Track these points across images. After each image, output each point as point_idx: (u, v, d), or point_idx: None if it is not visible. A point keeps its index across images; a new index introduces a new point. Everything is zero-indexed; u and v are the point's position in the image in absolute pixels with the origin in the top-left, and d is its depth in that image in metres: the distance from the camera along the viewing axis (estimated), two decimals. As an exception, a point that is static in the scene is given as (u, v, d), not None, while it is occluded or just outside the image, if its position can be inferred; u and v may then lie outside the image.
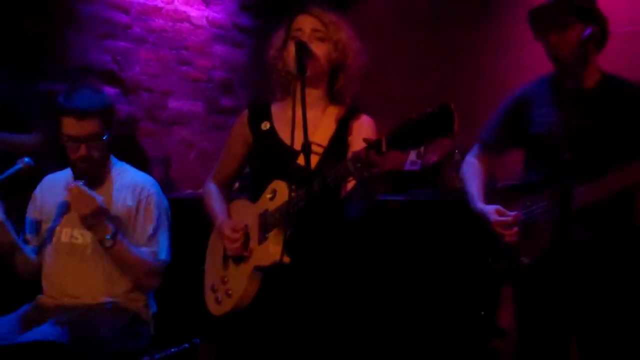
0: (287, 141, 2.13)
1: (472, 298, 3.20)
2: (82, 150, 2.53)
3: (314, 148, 2.07)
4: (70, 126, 2.51)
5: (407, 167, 3.89)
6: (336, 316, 2.17)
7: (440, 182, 3.73)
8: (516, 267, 2.46)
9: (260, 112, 2.35)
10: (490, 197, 2.59)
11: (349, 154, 2.01)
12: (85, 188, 2.46)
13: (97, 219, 2.47)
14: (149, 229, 2.63)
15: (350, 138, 2.23)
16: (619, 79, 2.44)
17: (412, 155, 3.85)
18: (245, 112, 2.39)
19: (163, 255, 2.63)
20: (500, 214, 2.47)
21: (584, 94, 2.38)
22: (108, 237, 2.48)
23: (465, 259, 3.18)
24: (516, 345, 2.58)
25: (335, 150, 2.18)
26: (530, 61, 2.61)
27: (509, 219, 2.45)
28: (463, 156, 3.59)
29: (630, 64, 3.03)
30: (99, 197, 2.48)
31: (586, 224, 2.32)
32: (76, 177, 2.64)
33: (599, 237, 2.35)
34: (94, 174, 2.61)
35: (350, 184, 2.08)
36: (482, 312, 3.20)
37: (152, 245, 2.62)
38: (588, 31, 2.30)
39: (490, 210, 2.49)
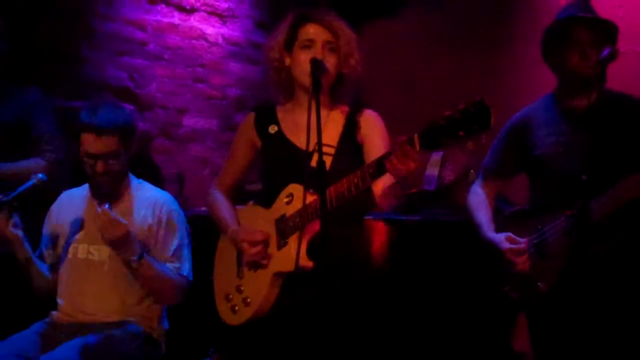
0: (298, 144, 2.14)
1: (487, 321, 3.15)
2: (99, 167, 2.52)
3: (326, 149, 2.03)
4: (89, 143, 2.50)
5: (422, 186, 3.85)
6: (351, 326, 2.12)
7: (455, 202, 3.69)
8: (533, 294, 2.41)
9: (267, 115, 2.33)
10: (498, 225, 2.55)
11: (368, 151, 2.08)
12: (112, 213, 2.42)
13: (125, 242, 2.44)
14: (172, 245, 2.62)
15: (360, 135, 2.21)
16: (616, 93, 2.41)
17: (427, 175, 3.81)
18: (251, 115, 2.36)
19: (185, 271, 2.62)
20: (511, 241, 2.44)
21: (588, 111, 2.33)
22: (135, 257, 2.46)
23: (480, 280, 3.14)
24: None
25: (346, 149, 2.17)
26: (550, 81, 2.57)
27: (521, 246, 2.42)
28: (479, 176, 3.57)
29: None
30: (124, 220, 2.44)
31: (601, 237, 2.27)
32: (93, 193, 2.64)
33: (615, 249, 2.32)
34: (112, 189, 2.60)
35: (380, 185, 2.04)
36: (497, 335, 3.15)
37: (175, 261, 2.61)
38: (607, 50, 2.25)
39: (501, 238, 2.46)
